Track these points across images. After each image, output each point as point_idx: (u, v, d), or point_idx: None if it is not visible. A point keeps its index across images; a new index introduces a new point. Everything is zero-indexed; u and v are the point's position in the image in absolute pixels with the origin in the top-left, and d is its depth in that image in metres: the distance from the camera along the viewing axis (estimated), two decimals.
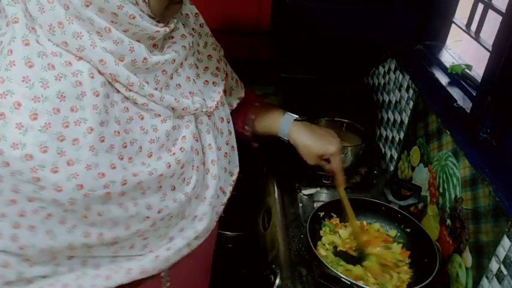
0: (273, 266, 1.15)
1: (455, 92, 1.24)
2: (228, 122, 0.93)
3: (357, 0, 1.39)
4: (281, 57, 1.71)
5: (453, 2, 1.40)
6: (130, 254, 0.75)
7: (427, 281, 0.98)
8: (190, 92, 0.78)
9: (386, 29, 1.44)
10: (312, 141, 1.03)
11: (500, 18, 1.04)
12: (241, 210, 1.48)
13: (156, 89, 0.71)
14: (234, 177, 0.95)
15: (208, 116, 0.83)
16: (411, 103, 1.39)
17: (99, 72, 0.64)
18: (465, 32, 1.30)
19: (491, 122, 1.06)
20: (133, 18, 0.62)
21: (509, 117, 1.04)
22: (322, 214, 1.19)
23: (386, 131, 1.58)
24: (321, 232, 1.17)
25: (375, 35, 1.46)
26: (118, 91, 0.67)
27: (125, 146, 0.67)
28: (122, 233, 0.71)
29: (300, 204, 1.34)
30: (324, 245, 1.14)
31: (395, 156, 1.48)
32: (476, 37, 1.25)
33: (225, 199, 0.92)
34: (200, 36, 0.87)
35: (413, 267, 1.10)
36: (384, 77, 1.65)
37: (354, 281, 0.96)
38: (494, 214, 0.93)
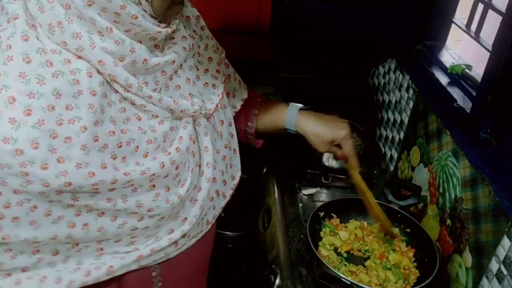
0: (273, 266, 1.15)
1: (455, 92, 1.24)
2: (230, 125, 0.93)
3: (357, 0, 1.39)
4: (281, 57, 1.71)
5: (453, 2, 1.40)
6: (116, 249, 0.75)
7: (427, 281, 0.98)
8: (189, 94, 0.78)
9: (386, 29, 1.44)
10: (321, 127, 1.00)
11: (500, 18, 1.04)
12: (241, 210, 1.48)
13: (155, 89, 0.71)
14: (236, 181, 0.95)
15: (207, 118, 0.83)
16: (411, 103, 1.39)
17: (98, 71, 0.64)
18: (465, 32, 1.30)
19: (491, 122, 1.06)
20: (136, 18, 0.62)
21: (509, 117, 1.04)
22: (322, 214, 1.19)
23: (386, 131, 1.58)
24: (321, 233, 1.17)
25: (375, 35, 1.45)
26: (116, 91, 0.67)
27: (120, 146, 0.67)
28: (108, 224, 0.70)
29: (300, 204, 1.34)
30: (325, 245, 1.14)
31: (395, 156, 1.48)
32: (476, 37, 1.25)
33: (224, 202, 0.91)
34: (201, 39, 0.87)
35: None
36: (384, 77, 1.65)
37: (354, 281, 0.96)
38: (494, 214, 0.93)
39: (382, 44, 1.57)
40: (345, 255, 1.12)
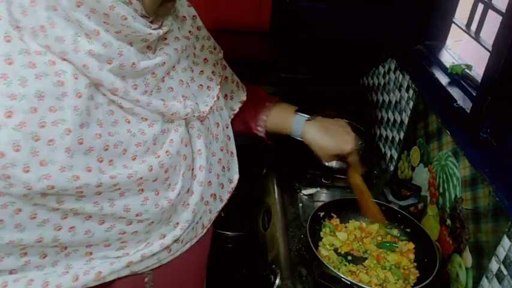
0: (273, 266, 1.15)
1: (455, 92, 1.24)
2: (227, 128, 0.91)
3: (356, 0, 1.39)
4: (281, 57, 1.71)
5: (453, 2, 1.40)
6: (105, 254, 0.74)
7: (427, 281, 0.98)
8: (182, 96, 0.76)
9: (386, 29, 1.44)
10: (327, 141, 1.01)
11: (500, 18, 1.04)
12: (241, 210, 1.48)
13: (145, 91, 0.70)
14: (233, 185, 0.94)
15: (201, 121, 0.81)
16: (411, 103, 1.39)
17: (83, 73, 0.63)
18: (465, 32, 1.30)
19: (491, 122, 1.06)
20: (125, 19, 0.62)
21: (509, 117, 1.04)
22: (322, 214, 1.19)
23: (386, 131, 1.58)
24: (321, 233, 1.17)
25: (375, 35, 1.45)
26: (104, 94, 0.66)
27: (107, 149, 0.66)
28: (95, 228, 0.69)
29: (300, 204, 1.34)
30: (325, 245, 1.14)
31: (395, 156, 1.48)
32: (476, 37, 1.25)
33: (220, 206, 0.90)
34: (197, 39, 0.85)
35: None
36: (383, 77, 1.65)
37: (354, 281, 0.96)
38: (494, 214, 0.93)
39: (382, 44, 1.57)
40: (345, 255, 1.12)
